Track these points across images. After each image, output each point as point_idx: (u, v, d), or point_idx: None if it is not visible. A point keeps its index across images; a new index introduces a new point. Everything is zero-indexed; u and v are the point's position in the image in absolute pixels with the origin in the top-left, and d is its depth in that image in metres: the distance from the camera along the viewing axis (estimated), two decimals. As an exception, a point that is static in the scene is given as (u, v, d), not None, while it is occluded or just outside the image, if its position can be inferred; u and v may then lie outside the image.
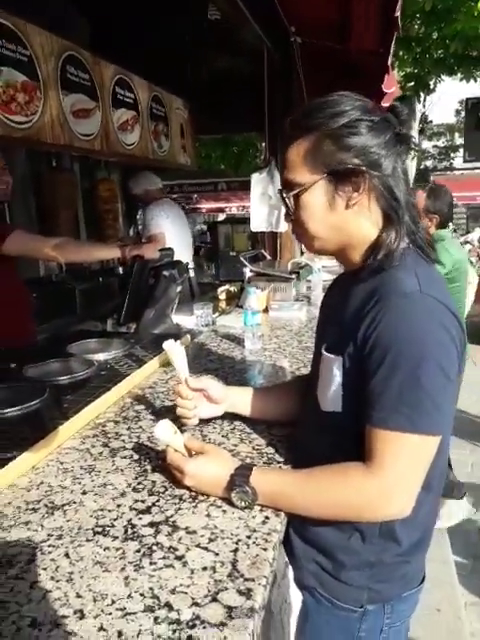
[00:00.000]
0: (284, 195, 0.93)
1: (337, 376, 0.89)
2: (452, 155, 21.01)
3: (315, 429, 0.99)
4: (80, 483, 1.02)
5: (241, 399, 1.22)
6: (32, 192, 3.59)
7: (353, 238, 0.91)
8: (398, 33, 1.96)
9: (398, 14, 1.82)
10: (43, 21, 2.70)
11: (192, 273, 3.35)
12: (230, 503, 0.92)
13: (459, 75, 7.38)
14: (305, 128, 0.89)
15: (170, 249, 2.52)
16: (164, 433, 0.99)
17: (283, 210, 1.01)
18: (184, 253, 3.39)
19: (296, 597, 1.04)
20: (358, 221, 0.90)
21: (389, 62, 2.56)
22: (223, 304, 2.78)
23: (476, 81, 7.42)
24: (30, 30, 2.60)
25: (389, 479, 0.81)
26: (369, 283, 0.88)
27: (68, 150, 3.16)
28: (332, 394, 0.91)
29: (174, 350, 1.17)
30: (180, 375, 1.18)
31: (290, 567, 1.04)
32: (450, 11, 5.89)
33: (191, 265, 3.47)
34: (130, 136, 3.59)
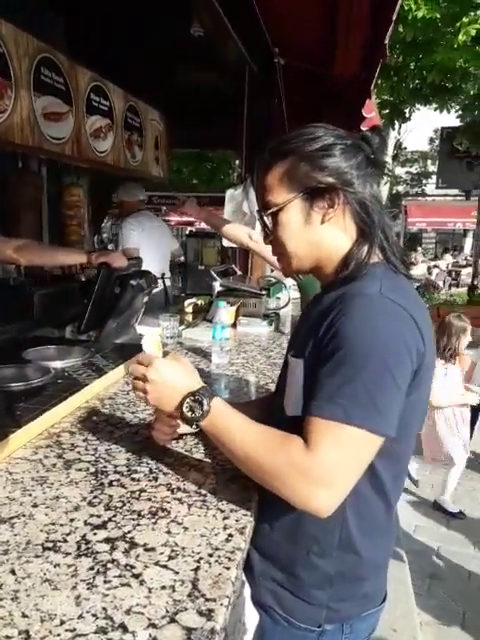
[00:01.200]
0: (262, 215, 0.97)
1: (299, 379, 0.90)
2: (424, 181, 21.79)
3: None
4: (30, 495, 0.95)
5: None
6: (-4, 193, 3.49)
7: (330, 253, 0.94)
8: (384, 60, 2.02)
9: (387, 42, 1.87)
10: (18, 19, 2.64)
11: (168, 282, 3.33)
12: (182, 418, 0.91)
13: (434, 105, 7.68)
14: (282, 153, 0.93)
15: (138, 259, 2.47)
16: (149, 348, 0.98)
17: (260, 231, 1.02)
18: (159, 264, 3.37)
19: (250, 616, 0.99)
20: (334, 235, 0.93)
21: (372, 87, 2.63)
22: (189, 317, 2.74)
23: (449, 111, 7.75)
24: (4, 28, 2.54)
25: (318, 464, 0.79)
26: (336, 291, 0.90)
27: (37, 152, 3.09)
28: (294, 398, 0.91)
29: (148, 339, 1.16)
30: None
31: (246, 585, 1.00)
32: (430, 43, 6.13)
33: (168, 275, 3.46)
34: (102, 143, 3.54)
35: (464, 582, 2.64)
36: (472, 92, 7.49)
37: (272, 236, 0.98)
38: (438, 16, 5.79)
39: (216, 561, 0.79)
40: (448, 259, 14.09)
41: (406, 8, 5.63)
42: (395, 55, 6.84)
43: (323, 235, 0.93)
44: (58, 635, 0.63)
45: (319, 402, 0.81)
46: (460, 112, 8.49)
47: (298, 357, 0.92)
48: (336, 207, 0.90)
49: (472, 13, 5.71)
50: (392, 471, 0.90)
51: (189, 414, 0.89)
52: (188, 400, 0.90)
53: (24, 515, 0.89)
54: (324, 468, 0.79)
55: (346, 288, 0.88)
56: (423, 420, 0.96)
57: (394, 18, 1.74)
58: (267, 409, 1.16)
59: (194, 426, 0.90)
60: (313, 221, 0.92)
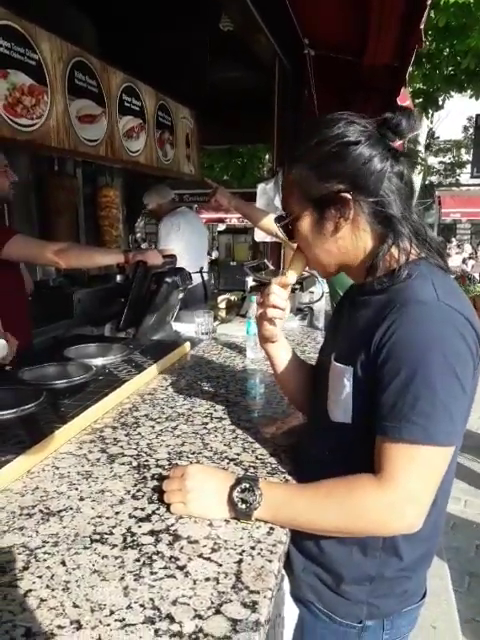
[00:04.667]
0: (279, 225, 0.99)
1: (347, 386, 0.87)
2: (458, 171, 21.17)
3: (323, 440, 0.97)
4: (77, 489, 0.98)
5: (285, 349, 1.17)
6: (34, 195, 3.58)
7: (354, 255, 0.92)
8: (420, 47, 1.96)
9: (422, 26, 1.81)
10: (52, 26, 2.70)
11: (206, 276, 3.38)
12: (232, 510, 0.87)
13: (469, 92, 7.45)
14: (295, 160, 0.93)
15: (173, 256, 2.50)
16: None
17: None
18: (198, 260, 3.42)
19: (290, 611, 1.00)
20: (353, 239, 0.91)
21: (406, 76, 2.57)
22: (223, 313, 2.75)
23: (486, 98, 7.50)
24: (39, 34, 2.61)
25: (401, 493, 0.78)
26: (384, 295, 0.86)
27: (72, 155, 3.15)
28: (342, 404, 0.89)
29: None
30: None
31: (286, 579, 1.01)
32: (464, 27, 5.95)
33: (206, 269, 3.50)
34: (135, 143, 3.59)
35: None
36: (509, 78, 7.23)
37: (296, 241, 0.99)
38: (471, 0, 5.62)
39: (258, 554, 0.80)
40: (468, 249, 13.71)
41: (439, -7, 5.48)
42: (428, 42, 6.66)
43: (341, 242, 0.91)
44: (108, 625, 0.65)
45: (393, 423, 0.78)
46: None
47: (344, 363, 0.89)
48: (348, 215, 0.88)
49: (508, -4, 5.53)
50: (446, 477, 0.86)
51: (243, 506, 0.85)
52: (236, 492, 0.86)
53: (72, 508, 0.92)
54: (406, 492, 0.78)
55: (396, 292, 0.84)
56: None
57: (429, 3, 1.69)
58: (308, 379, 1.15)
59: (253, 519, 0.86)
60: (327, 231, 0.91)
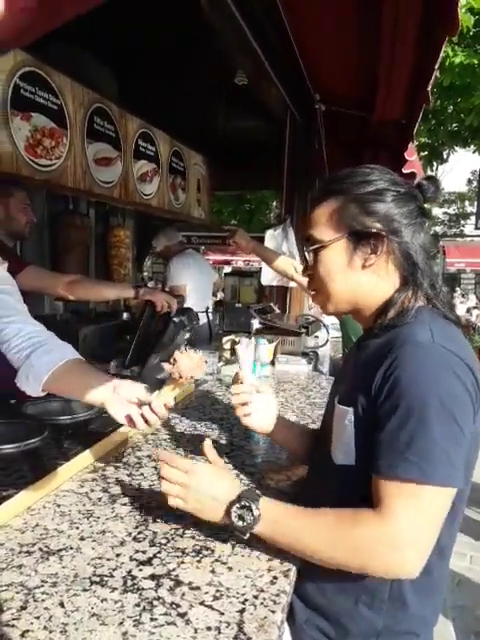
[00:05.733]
0: (305, 249, 0.98)
1: (349, 428, 0.88)
2: (462, 222, 21.55)
3: (326, 482, 0.96)
4: (78, 528, 0.97)
5: (281, 423, 1.23)
6: (47, 232, 3.66)
7: (368, 297, 0.94)
8: (427, 105, 2.06)
9: (429, 88, 1.91)
10: (75, 74, 2.84)
11: (211, 317, 3.42)
12: (226, 526, 0.87)
13: (472, 147, 7.69)
14: (333, 191, 0.95)
15: (180, 296, 2.53)
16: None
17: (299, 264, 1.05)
18: (204, 300, 3.48)
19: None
20: (373, 280, 0.93)
21: (414, 132, 2.68)
22: (227, 354, 2.76)
23: (488, 154, 7.74)
24: (63, 81, 2.73)
25: (399, 528, 0.77)
26: (383, 337, 0.88)
27: (88, 195, 3.24)
28: (345, 446, 0.89)
29: (242, 351, 1.19)
30: (242, 373, 1.19)
31: (287, 630, 0.98)
32: (468, 87, 6.21)
33: (211, 309, 3.54)
34: (148, 187, 3.70)
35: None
36: (510, 135, 7.49)
37: (312, 271, 0.99)
38: (475, 62, 5.90)
39: (261, 604, 0.78)
40: (473, 299, 13.79)
41: (443, 54, 5.73)
42: (433, 99, 6.94)
43: (363, 280, 0.93)
44: (106, 671, 0.63)
45: (389, 461, 0.78)
46: (498, 154, 8.49)
47: (346, 405, 0.90)
48: (379, 253, 0.90)
49: (509, 58, 5.80)
50: (447, 521, 0.85)
51: (240, 523, 0.85)
52: (235, 508, 0.86)
53: (72, 548, 0.90)
54: (406, 531, 0.76)
55: (393, 334, 0.87)
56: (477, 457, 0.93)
57: (436, 66, 1.78)
58: (309, 438, 1.19)
59: (247, 535, 0.86)
60: (355, 265, 0.93)
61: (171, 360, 1.08)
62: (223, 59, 2.89)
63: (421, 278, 0.90)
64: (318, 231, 0.96)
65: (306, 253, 0.98)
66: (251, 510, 0.84)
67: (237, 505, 0.85)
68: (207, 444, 0.99)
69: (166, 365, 1.09)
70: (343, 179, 0.95)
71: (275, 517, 0.85)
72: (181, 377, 1.06)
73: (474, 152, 7.88)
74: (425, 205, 0.94)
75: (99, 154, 3.10)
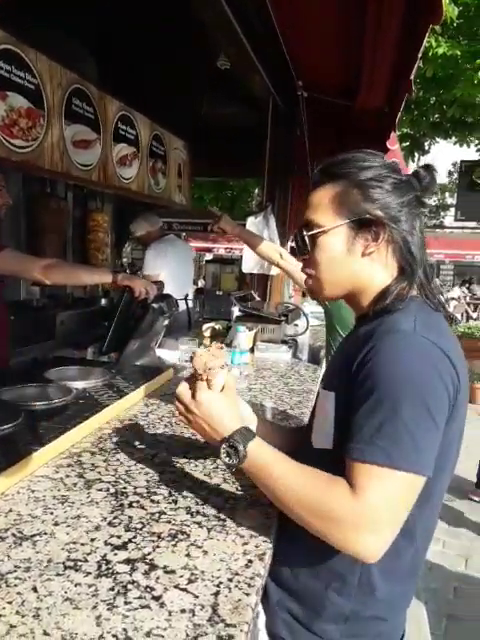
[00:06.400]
0: (304, 233, 0.95)
1: (330, 412, 0.89)
2: (442, 214, 21.76)
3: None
4: (52, 514, 0.96)
5: (262, 427, 1.16)
6: (24, 215, 3.59)
7: (365, 285, 0.93)
8: (409, 95, 2.06)
9: (412, 77, 1.91)
10: (54, 55, 2.77)
11: (191, 304, 3.39)
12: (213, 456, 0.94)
13: (453, 139, 7.75)
14: (334, 175, 0.93)
15: (160, 283, 2.51)
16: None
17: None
18: (183, 286, 3.44)
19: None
20: (371, 269, 0.92)
21: (396, 121, 2.68)
22: (207, 341, 2.75)
23: (469, 146, 7.79)
24: (40, 60, 2.66)
25: (367, 509, 0.77)
26: (370, 325, 0.88)
27: (65, 178, 3.18)
28: (325, 430, 0.90)
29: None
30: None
31: (261, 613, 0.99)
32: (450, 79, 6.21)
33: (191, 296, 3.51)
34: (128, 171, 3.64)
35: (483, 624, 2.55)
36: (492, 127, 7.56)
37: (309, 256, 0.96)
38: (459, 53, 5.90)
39: (236, 586, 0.78)
40: (458, 292, 14.00)
41: (427, 45, 5.74)
42: (416, 90, 6.95)
43: (361, 267, 0.92)
44: (79, 655, 0.63)
45: (359, 445, 0.79)
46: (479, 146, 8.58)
47: (328, 389, 0.91)
48: (380, 241, 0.89)
49: (492, 50, 5.82)
50: (422, 512, 0.86)
51: (227, 460, 0.88)
52: (224, 446, 0.89)
53: (46, 533, 0.89)
54: (371, 513, 0.77)
55: (380, 322, 0.87)
56: (457, 457, 0.93)
57: (419, 55, 1.78)
58: (296, 440, 1.14)
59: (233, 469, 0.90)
60: (354, 251, 0.91)
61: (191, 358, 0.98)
62: (206, 43, 2.85)
63: (417, 268, 0.90)
64: (318, 216, 0.93)
65: (305, 237, 0.95)
66: (237, 450, 0.87)
67: (226, 444, 0.88)
68: (221, 371, 0.95)
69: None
70: (344, 163, 0.92)
71: (259, 463, 0.87)
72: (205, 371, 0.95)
73: (455, 144, 7.94)
74: (423, 196, 0.92)
75: (77, 136, 3.04)
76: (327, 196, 0.93)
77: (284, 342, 2.54)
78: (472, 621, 2.57)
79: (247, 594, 0.77)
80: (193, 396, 0.95)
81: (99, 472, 1.15)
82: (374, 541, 0.77)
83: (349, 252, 0.92)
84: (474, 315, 13.24)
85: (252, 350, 2.41)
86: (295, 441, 1.13)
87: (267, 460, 0.87)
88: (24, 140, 2.59)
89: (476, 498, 3.72)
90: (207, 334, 2.86)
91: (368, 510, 0.76)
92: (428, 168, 0.93)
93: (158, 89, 3.67)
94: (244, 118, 4.17)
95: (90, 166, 3.19)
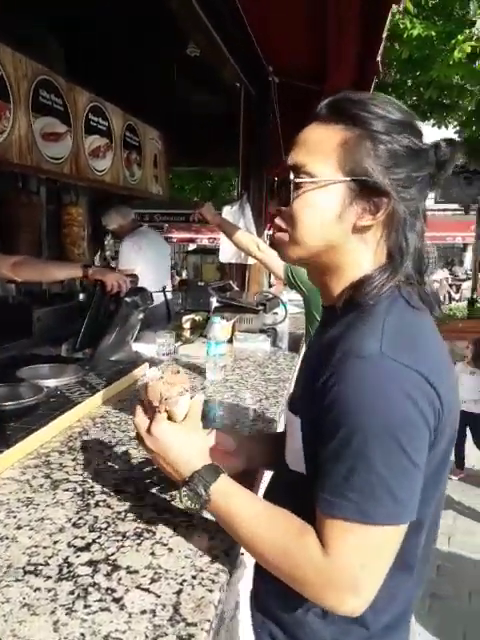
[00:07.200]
0: (290, 178, 0.74)
1: (298, 439, 0.79)
2: (422, 196, 21.86)
3: (283, 487, 0.89)
4: (15, 517, 0.94)
5: (258, 447, 1.07)
6: (-6, 212, 3.52)
7: (341, 265, 0.77)
8: (378, 77, 2.03)
9: (379, 59, 1.88)
10: (19, 44, 2.70)
11: (170, 296, 3.35)
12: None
13: (431, 121, 7.75)
14: (348, 115, 0.72)
15: (134, 276, 2.48)
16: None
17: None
18: (160, 278, 3.41)
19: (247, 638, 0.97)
20: (357, 250, 0.76)
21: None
22: (187, 333, 2.73)
23: (447, 127, 7.80)
24: (3, 51, 2.59)
25: (339, 568, 0.67)
26: (336, 327, 0.75)
27: (36, 172, 3.12)
28: (295, 454, 0.81)
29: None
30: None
31: (239, 608, 0.98)
32: (426, 60, 6.19)
33: (169, 288, 3.48)
34: (101, 162, 3.58)
35: (465, 602, 2.59)
36: (469, 108, 7.57)
37: (288, 206, 0.76)
38: (433, 34, 5.87)
39: (199, 583, 0.77)
40: (441, 274, 14.11)
41: (402, 26, 5.71)
42: (392, 72, 6.93)
43: (346, 242, 0.75)
44: (34, 662, 0.62)
45: (327, 496, 0.68)
46: (458, 128, 8.60)
47: (294, 412, 0.81)
48: (378, 216, 0.72)
49: (467, 30, 5.80)
50: (417, 542, 0.77)
51: (188, 504, 0.79)
52: (183, 490, 0.80)
53: (7, 538, 0.87)
54: (347, 574, 0.67)
55: (342, 328, 0.73)
56: (447, 471, 0.82)
57: (384, 36, 1.76)
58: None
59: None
60: (345, 219, 0.73)
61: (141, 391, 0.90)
62: (175, 30, 2.79)
63: (405, 259, 0.74)
64: (313, 162, 0.73)
65: (289, 182, 0.74)
66: (199, 495, 0.78)
67: (186, 487, 0.79)
68: (182, 399, 0.85)
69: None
70: (363, 104, 0.72)
71: (223, 508, 0.78)
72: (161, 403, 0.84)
73: (434, 126, 7.95)
74: (437, 173, 0.75)
75: (46, 129, 2.97)
76: (331, 139, 0.73)
77: (263, 331, 2.53)
78: (456, 599, 2.61)
79: (210, 591, 0.76)
80: (149, 429, 0.84)
81: (67, 472, 1.13)
82: (355, 602, 0.69)
83: (339, 219, 0.73)
84: (456, 297, 13.39)
85: (231, 341, 2.39)
86: (280, 448, 0.95)
87: (231, 504, 0.78)
88: (-10, 134, 2.53)
89: (455, 477, 3.78)
90: (187, 326, 2.83)
91: (344, 571, 0.67)
92: (452, 143, 0.75)
93: (129, 78, 3.61)
94: (218, 107, 4.12)
95: (61, 159, 3.12)
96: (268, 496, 0.93)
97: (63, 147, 3.14)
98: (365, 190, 0.72)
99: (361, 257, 0.76)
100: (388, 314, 0.71)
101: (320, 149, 0.74)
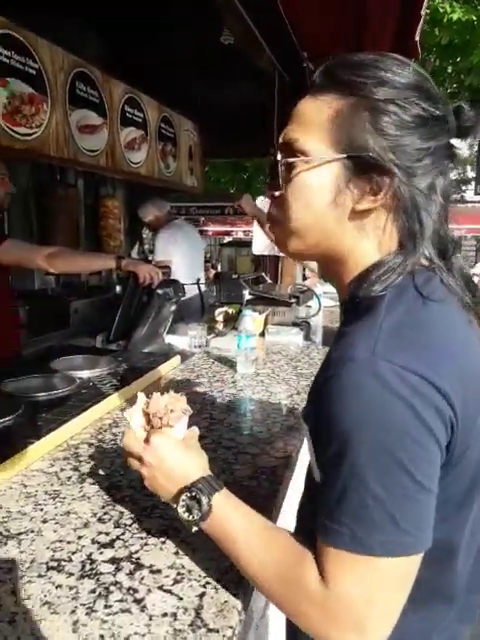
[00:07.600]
0: (279, 160, 0.68)
1: (311, 450, 0.70)
2: (463, 188, 21.14)
3: (308, 499, 0.82)
4: (42, 510, 0.94)
5: None
6: (33, 203, 3.58)
7: (342, 254, 0.68)
8: (416, 59, 1.92)
9: (417, 38, 1.77)
10: (56, 37, 2.72)
11: (204, 288, 3.36)
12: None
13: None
14: (343, 82, 0.63)
15: (167, 268, 2.47)
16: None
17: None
18: (194, 271, 3.42)
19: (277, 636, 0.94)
20: (360, 236, 0.66)
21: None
22: (220, 326, 2.71)
23: (489, 114, 7.53)
24: (40, 44, 2.61)
25: (343, 605, 0.58)
26: (342, 326, 0.68)
27: (72, 164, 3.15)
28: (312, 465, 0.72)
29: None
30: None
31: (270, 606, 0.94)
32: (466, 45, 5.96)
33: (203, 280, 3.49)
34: (136, 155, 3.59)
35: None
36: (512, 95, 7.27)
37: (279, 191, 0.68)
38: (474, 18, 5.64)
39: (223, 587, 0.74)
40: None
41: (441, 11, 5.51)
42: (431, 59, 6.71)
43: (346, 229, 0.66)
44: (52, 663, 0.60)
45: (323, 520, 0.59)
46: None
47: (305, 420, 0.71)
48: (379, 198, 0.63)
49: (509, 14, 5.55)
50: (447, 567, 0.68)
51: (185, 515, 0.71)
52: (184, 497, 0.72)
53: (33, 531, 0.87)
54: (349, 610, 0.58)
55: (345, 329, 0.64)
56: None
57: (422, 12, 1.66)
58: None
59: (194, 530, 0.72)
60: (341, 203, 0.64)
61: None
62: (209, 18, 2.75)
63: (420, 245, 0.63)
64: (305, 138, 0.65)
65: (280, 165, 0.67)
66: (200, 503, 0.70)
67: (187, 493, 0.72)
68: (183, 419, 0.83)
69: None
70: (361, 68, 0.63)
71: (222, 524, 0.70)
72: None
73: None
74: (459, 139, 0.66)
75: (83, 121, 3.00)
76: (325, 110, 0.64)
77: (296, 324, 2.48)
78: None
79: (234, 594, 0.73)
80: (147, 439, 0.79)
81: (95, 465, 1.12)
82: (359, 636, 0.59)
83: (334, 203, 0.64)
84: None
85: (263, 334, 2.36)
86: None
87: (231, 520, 0.70)
88: (28, 128, 2.56)
89: None
90: (219, 319, 2.81)
91: (341, 604, 0.58)
92: (476, 103, 0.66)
93: (163, 69, 3.59)
94: (253, 96, 4.05)
95: (97, 151, 3.14)
96: (300, 512, 0.87)
97: (99, 139, 3.16)
98: (364, 168, 0.62)
99: (365, 246, 0.66)
100: (391, 308, 0.61)
101: (312, 123, 0.65)
